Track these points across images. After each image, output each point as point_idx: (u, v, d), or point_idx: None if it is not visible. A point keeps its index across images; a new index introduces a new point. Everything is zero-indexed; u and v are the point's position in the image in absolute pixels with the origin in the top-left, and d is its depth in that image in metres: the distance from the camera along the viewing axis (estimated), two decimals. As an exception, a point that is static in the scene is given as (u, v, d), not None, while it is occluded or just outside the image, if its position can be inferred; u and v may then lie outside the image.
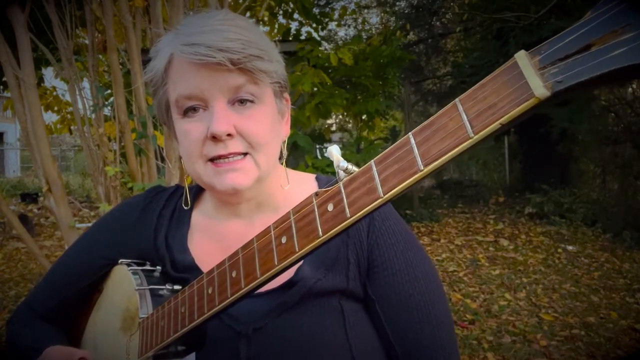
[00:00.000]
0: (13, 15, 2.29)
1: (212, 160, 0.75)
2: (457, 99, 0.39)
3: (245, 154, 0.75)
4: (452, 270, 5.33)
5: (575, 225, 7.07)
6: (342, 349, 0.76)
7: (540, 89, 0.33)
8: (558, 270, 5.28)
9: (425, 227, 7.43)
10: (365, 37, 10.08)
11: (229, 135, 0.72)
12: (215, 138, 0.72)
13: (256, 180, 0.76)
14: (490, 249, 6.24)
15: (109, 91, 3.04)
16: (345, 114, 8.11)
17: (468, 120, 0.36)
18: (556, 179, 8.33)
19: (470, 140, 0.36)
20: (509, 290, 4.70)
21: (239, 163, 0.74)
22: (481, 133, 0.35)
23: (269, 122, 0.77)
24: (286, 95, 0.84)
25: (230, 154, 0.74)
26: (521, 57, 0.35)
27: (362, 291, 0.81)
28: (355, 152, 6.47)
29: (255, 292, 0.60)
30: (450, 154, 0.37)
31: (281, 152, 0.84)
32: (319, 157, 6.29)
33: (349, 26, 12.42)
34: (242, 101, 0.74)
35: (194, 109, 0.74)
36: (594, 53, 0.31)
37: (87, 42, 3.00)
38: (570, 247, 6.11)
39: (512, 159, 11.23)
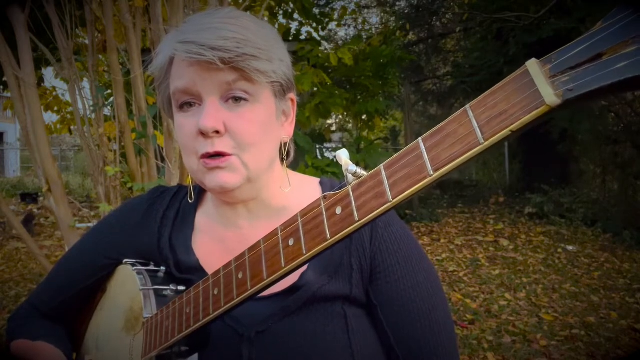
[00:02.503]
0: (13, 15, 2.29)
1: (204, 157, 0.75)
2: (467, 106, 0.39)
3: (232, 154, 0.74)
4: (452, 270, 5.33)
5: (575, 225, 7.08)
6: (345, 354, 0.76)
7: (551, 96, 0.34)
8: (558, 270, 5.29)
9: (425, 227, 7.43)
10: (365, 37, 10.07)
11: (217, 132, 0.72)
12: (203, 134, 0.72)
13: (245, 181, 0.76)
14: (490, 249, 6.25)
15: (109, 91, 3.04)
16: (345, 114, 8.12)
17: (478, 127, 0.37)
18: (556, 179, 8.35)
19: (480, 147, 0.36)
20: (509, 290, 4.71)
21: (225, 161, 0.74)
22: (491, 139, 0.36)
23: (261, 122, 0.76)
24: (291, 95, 0.83)
25: (217, 152, 0.73)
26: (532, 65, 0.35)
27: (364, 297, 0.81)
28: (355, 152, 6.47)
29: (259, 295, 0.61)
30: (460, 159, 0.37)
31: (281, 154, 0.83)
32: (319, 157, 6.31)
33: (349, 26, 12.44)
34: (237, 99, 0.73)
35: (189, 104, 0.75)
36: (605, 62, 0.31)
37: (87, 42, 3.00)
38: (570, 247, 6.12)
39: (512, 159, 11.24)
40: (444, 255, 5.91)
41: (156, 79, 0.81)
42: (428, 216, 7.83)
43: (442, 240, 6.68)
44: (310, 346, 0.75)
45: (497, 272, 5.26)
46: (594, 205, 7.55)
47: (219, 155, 0.73)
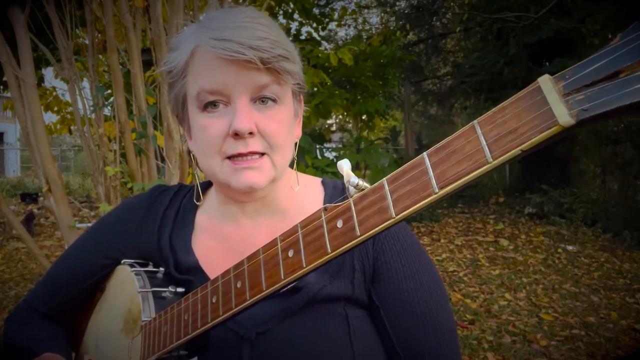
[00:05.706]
0: (13, 15, 2.28)
1: (230, 157, 0.73)
2: (475, 121, 0.37)
3: (262, 153, 0.74)
4: (452, 270, 5.33)
5: (575, 225, 7.07)
6: (346, 355, 0.75)
7: (564, 116, 0.32)
8: (558, 270, 5.28)
9: (425, 227, 7.42)
10: (365, 37, 10.06)
11: (250, 133, 0.71)
12: (237, 135, 0.71)
13: (271, 180, 0.76)
14: (490, 249, 6.24)
15: (109, 91, 3.03)
16: (345, 114, 8.11)
17: (487, 145, 0.35)
18: (556, 179, 8.33)
19: (489, 165, 0.35)
20: (509, 290, 4.70)
21: (257, 162, 0.73)
22: (500, 158, 0.34)
23: (287, 123, 0.76)
24: (301, 96, 0.84)
25: (250, 152, 0.73)
26: (545, 81, 0.33)
27: (366, 298, 0.80)
28: (355, 152, 6.47)
29: None
30: (467, 177, 0.36)
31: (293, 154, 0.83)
32: (319, 156, 6.30)
33: (349, 26, 12.40)
34: (264, 100, 0.73)
35: (214, 104, 0.73)
36: (622, 81, 0.30)
37: (87, 42, 2.99)
38: (570, 247, 6.11)
39: (512, 158, 11.21)
40: (444, 255, 5.91)
41: (172, 75, 0.78)
42: (428, 216, 7.81)
43: (442, 240, 6.67)
44: (311, 347, 0.75)
45: (497, 272, 5.25)
46: (594, 205, 7.54)
47: (250, 154, 0.73)
